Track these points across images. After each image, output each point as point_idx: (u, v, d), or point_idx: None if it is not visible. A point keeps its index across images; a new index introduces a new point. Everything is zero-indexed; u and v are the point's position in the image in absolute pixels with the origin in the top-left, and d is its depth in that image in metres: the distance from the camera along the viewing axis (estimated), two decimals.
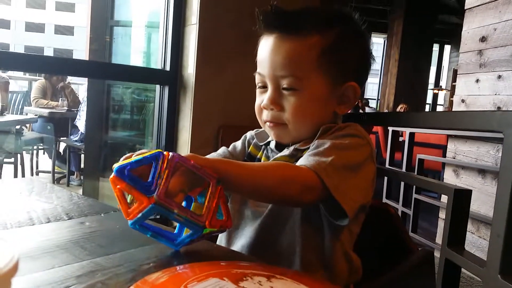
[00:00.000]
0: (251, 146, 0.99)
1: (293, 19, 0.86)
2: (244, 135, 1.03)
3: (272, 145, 0.93)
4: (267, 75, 0.86)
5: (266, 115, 0.88)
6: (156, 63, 2.62)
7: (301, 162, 0.77)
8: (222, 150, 1.01)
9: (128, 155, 0.66)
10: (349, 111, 0.93)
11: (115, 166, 0.61)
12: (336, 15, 0.90)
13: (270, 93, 0.86)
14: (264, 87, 0.88)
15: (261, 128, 0.96)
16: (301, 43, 0.83)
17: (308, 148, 0.84)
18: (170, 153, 0.61)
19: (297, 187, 0.72)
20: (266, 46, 0.86)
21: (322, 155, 0.76)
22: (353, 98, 0.89)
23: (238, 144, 1.02)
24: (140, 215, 0.60)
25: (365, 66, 0.91)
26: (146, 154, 0.62)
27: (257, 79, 0.89)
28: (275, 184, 0.71)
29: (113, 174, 0.60)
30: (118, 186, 0.60)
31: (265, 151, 0.95)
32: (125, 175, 0.60)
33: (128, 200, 0.62)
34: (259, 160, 0.95)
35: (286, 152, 0.88)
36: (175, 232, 0.68)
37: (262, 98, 0.88)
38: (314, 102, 0.85)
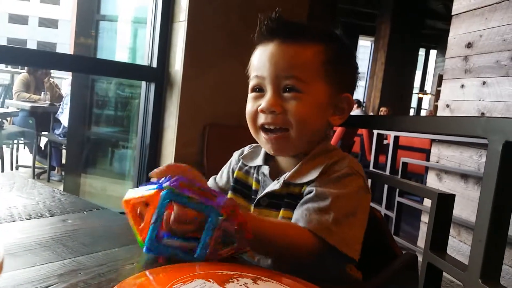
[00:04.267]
0: (236, 170, 0.97)
1: (297, 28, 0.88)
2: (230, 160, 1.02)
3: (266, 171, 0.91)
4: (268, 77, 0.84)
5: (264, 118, 0.85)
6: (142, 59, 2.60)
7: (304, 219, 0.77)
8: (210, 183, 1.01)
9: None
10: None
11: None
12: (331, 31, 0.92)
13: (270, 95, 0.84)
14: (260, 91, 0.86)
15: (250, 134, 0.93)
16: (306, 49, 0.85)
17: (301, 185, 0.84)
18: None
19: (300, 254, 0.74)
20: (266, 51, 0.86)
21: (324, 212, 0.77)
22: (347, 109, 0.90)
23: (224, 173, 1.01)
24: (155, 213, 0.60)
25: (355, 81, 0.94)
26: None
27: (253, 83, 0.88)
28: (281, 248, 0.73)
29: (125, 197, 0.64)
30: (131, 201, 0.64)
31: (255, 175, 0.93)
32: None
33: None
34: (249, 186, 0.93)
35: (276, 185, 0.86)
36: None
37: (257, 103, 0.86)
38: (315, 108, 0.85)
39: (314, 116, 0.85)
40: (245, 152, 0.99)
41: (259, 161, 0.94)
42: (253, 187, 0.92)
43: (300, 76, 0.83)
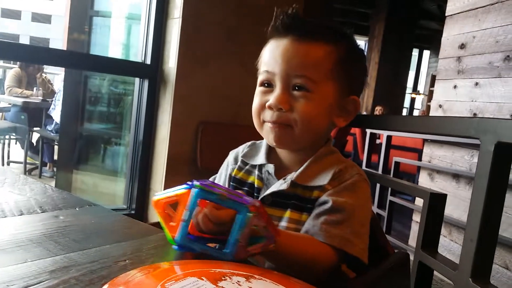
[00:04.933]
0: (235, 170, 0.95)
1: (311, 26, 0.88)
2: (226, 160, 1.00)
3: (271, 169, 0.90)
4: (279, 73, 0.84)
5: (270, 115, 0.85)
6: (136, 56, 2.58)
7: (323, 233, 0.77)
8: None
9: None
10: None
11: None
12: (344, 31, 0.92)
13: (279, 92, 0.83)
14: (269, 86, 0.86)
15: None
16: (319, 48, 0.84)
17: (310, 188, 0.84)
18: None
19: (320, 269, 0.76)
20: (279, 46, 0.85)
21: (343, 225, 0.79)
22: (353, 112, 0.90)
23: (222, 174, 0.99)
24: (187, 211, 0.62)
25: (363, 83, 0.94)
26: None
27: (263, 77, 0.87)
28: (302, 263, 0.74)
29: (154, 198, 0.66)
30: (162, 201, 0.66)
31: (257, 173, 0.92)
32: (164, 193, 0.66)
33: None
34: (252, 184, 0.91)
35: (283, 185, 0.85)
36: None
37: (265, 98, 0.85)
38: (322, 108, 0.85)
39: (320, 116, 0.85)
40: (244, 151, 0.97)
41: (261, 159, 0.92)
42: (256, 184, 0.91)
43: (311, 76, 0.82)
